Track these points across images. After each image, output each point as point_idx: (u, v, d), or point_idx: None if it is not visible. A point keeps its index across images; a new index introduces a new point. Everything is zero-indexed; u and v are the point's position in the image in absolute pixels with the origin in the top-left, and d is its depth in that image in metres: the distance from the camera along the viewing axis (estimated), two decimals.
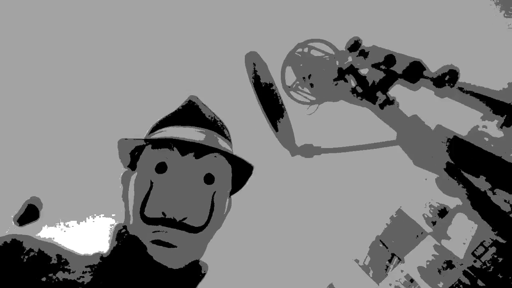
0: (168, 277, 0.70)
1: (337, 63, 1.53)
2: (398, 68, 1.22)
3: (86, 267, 0.68)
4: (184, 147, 0.74)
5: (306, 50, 1.65)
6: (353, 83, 1.34)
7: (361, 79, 1.35)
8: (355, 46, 1.44)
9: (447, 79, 1.04)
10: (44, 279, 0.60)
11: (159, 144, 0.76)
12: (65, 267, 0.65)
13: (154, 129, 0.85)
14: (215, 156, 0.76)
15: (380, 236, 10.70)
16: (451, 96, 1.08)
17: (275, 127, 1.76)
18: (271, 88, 1.57)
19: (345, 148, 1.99)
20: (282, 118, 1.78)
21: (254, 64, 1.42)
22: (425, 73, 1.16)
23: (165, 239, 0.68)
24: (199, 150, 0.75)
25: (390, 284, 10.28)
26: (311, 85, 1.59)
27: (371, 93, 1.27)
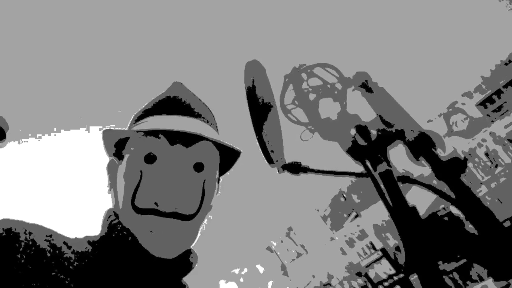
0: (158, 268, 0.70)
1: (340, 89, 1.43)
2: (406, 134, 1.15)
3: (78, 259, 0.65)
4: (173, 136, 0.74)
5: (309, 71, 1.51)
6: (353, 130, 1.25)
7: (365, 133, 1.26)
8: (364, 85, 1.33)
9: (451, 172, 0.98)
10: (39, 283, 0.57)
11: (147, 134, 0.75)
12: (59, 261, 0.62)
13: (139, 118, 0.84)
14: (204, 144, 0.77)
15: (343, 191, 11.28)
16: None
17: (263, 146, 1.67)
18: (269, 109, 1.46)
19: (333, 172, 1.95)
20: (272, 137, 1.69)
21: (254, 85, 1.28)
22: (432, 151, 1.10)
23: (159, 229, 0.69)
24: (188, 139, 0.75)
25: (345, 236, 11.09)
26: (308, 108, 1.49)
27: (372, 153, 1.20)
